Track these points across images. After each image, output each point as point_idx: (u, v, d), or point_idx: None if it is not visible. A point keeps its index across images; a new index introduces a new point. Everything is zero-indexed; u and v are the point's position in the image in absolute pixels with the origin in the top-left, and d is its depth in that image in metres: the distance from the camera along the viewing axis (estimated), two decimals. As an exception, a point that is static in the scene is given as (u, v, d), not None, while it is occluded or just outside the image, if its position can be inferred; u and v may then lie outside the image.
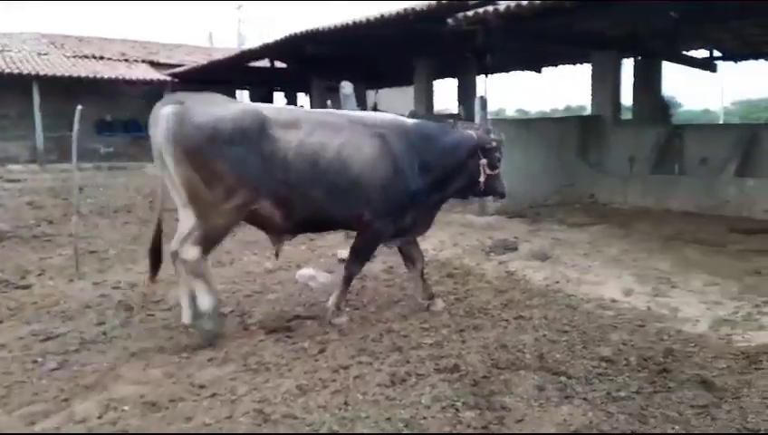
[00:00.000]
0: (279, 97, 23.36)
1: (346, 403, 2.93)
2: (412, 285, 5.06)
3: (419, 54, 13.84)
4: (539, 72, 15.24)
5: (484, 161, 4.50)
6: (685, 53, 12.28)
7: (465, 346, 3.71)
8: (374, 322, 4.22)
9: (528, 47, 12.12)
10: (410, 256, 4.60)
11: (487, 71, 15.17)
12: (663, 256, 5.88)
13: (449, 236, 7.03)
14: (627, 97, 12.07)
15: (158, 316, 4.34)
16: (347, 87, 6.52)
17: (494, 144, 4.57)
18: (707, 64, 12.73)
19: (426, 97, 14.02)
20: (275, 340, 3.83)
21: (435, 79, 15.24)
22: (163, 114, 3.59)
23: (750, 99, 37.17)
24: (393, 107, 15.77)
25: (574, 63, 14.16)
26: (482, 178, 4.52)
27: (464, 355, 3.54)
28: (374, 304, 4.67)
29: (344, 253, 6.12)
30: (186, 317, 3.80)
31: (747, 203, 7.79)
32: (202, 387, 3.12)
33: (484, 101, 8.27)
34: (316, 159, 3.93)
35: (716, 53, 12.42)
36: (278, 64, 17.19)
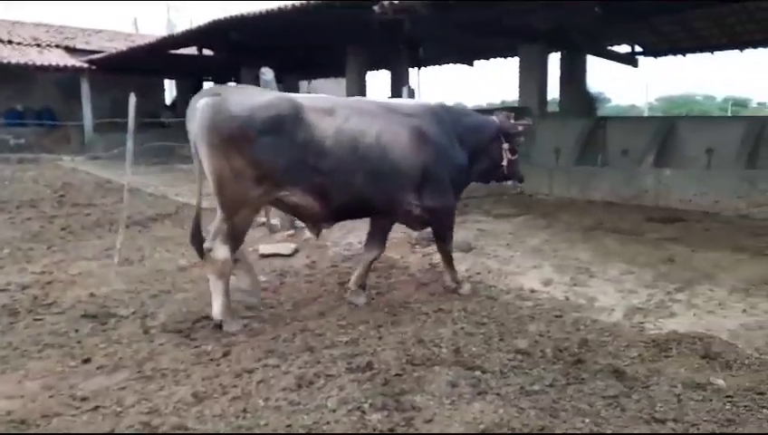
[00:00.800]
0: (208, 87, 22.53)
1: (245, 410, 2.71)
2: (333, 280, 4.89)
3: (351, 44, 13.61)
4: (471, 65, 15.37)
5: (506, 146, 4.68)
6: (609, 48, 12.65)
7: (382, 343, 3.56)
8: (288, 320, 4.01)
9: (458, 39, 12.15)
10: (375, 240, 4.57)
11: (420, 63, 15.20)
12: (583, 245, 5.95)
13: (376, 229, 6.89)
14: (554, 90, 12.35)
15: (48, 320, 3.94)
16: (267, 73, 6.22)
17: (519, 129, 4.75)
18: (629, 59, 13.18)
19: (358, 88, 13.81)
20: (176, 343, 3.55)
21: (368, 70, 15.07)
22: (199, 106, 3.60)
23: (671, 95, 39.27)
24: (326, 98, 15.53)
25: (505, 57, 14.35)
26: (504, 163, 4.72)
27: (378, 352, 3.39)
28: (291, 301, 4.46)
29: (267, 248, 5.90)
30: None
31: (664, 192, 8.07)
32: (84, 399, 2.81)
33: (411, 92, 8.16)
34: (355, 145, 3.94)
35: (638, 49, 12.88)
36: (208, 53, 16.50)
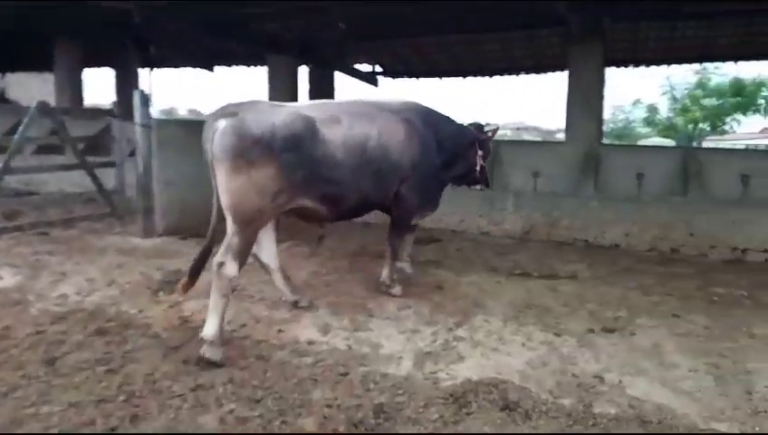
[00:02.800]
0: None
1: None
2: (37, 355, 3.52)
3: (61, 35, 11.20)
4: (211, 70, 14.11)
5: (480, 152, 5.18)
6: (354, 66, 12.84)
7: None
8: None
9: (198, 41, 10.93)
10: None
11: (152, 63, 13.40)
12: (353, 275, 5.50)
13: (102, 271, 5.37)
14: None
15: None
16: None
17: (489, 135, 5.28)
18: (370, 78, 13.62)
19: (71, 86, 11.44)
20: None
21: (84, 67, 12.61)
22: (219, 129, 3.64)
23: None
24: (30, 96, 12.54)
25: (249, 65, 13.51)
26: (477, 168, 5.22)
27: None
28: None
29: None
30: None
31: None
32: None
33: (145, 97, 6.79)
34: (361, 152, 4.18)
35: (378, 69, 13.36)
36: None
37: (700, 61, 12.58)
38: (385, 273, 4.97)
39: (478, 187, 5.50)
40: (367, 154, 4.20)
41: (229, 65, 14.03)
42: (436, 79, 13.44)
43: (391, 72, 13.45)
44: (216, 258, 3.71)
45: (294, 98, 10.60)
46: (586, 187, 7.69)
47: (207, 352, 3.54)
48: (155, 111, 21.25)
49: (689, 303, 4.98)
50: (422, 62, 12.89)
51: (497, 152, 8.73)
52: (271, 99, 10.50)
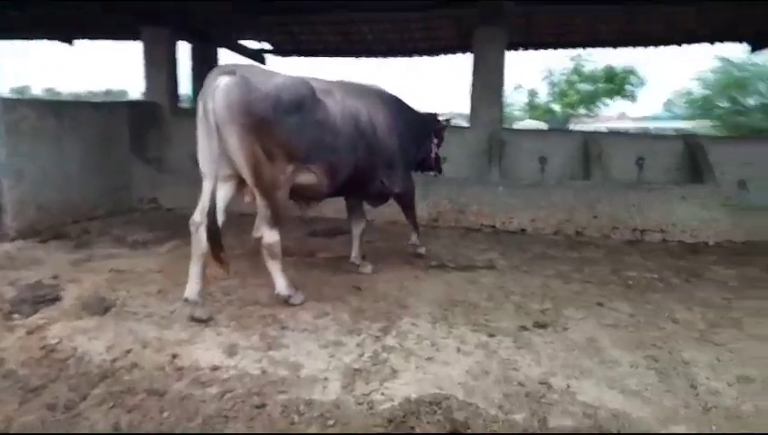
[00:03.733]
0: None
1: None
2: None
3: None
4: (70, 43, 12.33)
5: (435, 140, 5.45)
6: (240, 42, 11.82)
7: None
8: None
9: (51, 8, 9.40)
10: (357, 213, 5.21)
11: (-5, 33, 11.39)
12: (257, 280, 4.78)
13: (-67, 289, 4.27)
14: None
15: None
16: None
17: (444, 124, 5.56)
18: (257, 56, 12.64)
19: None
20: None
21: None
22: (223, 86, 3.53)
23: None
24: None
25: (118, 39, 11.94)
26: (433, 155, 5.47)
27: None
28: None
29: None
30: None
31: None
32: None
33: (-15, 71, 5.55)
34: (355, 123, 4.27)
35: (267, 46, 12.44)
36: None
37: (585, 46, 13.06)
38: (414, 238, 5.58)
39: (432, 173, 5.80)
40: (360, 127, 4.28)
41: (93, 38, 12.34)
42: (328, 58, 12.81)
43: (281, 51, 12.57)
44: (255, 234, 4.20)
45: (174, 77, 9.45)
46: (492, 172, 7.54)
47: (293, 299, 4.15)
48: (2, 88, 18.55)
49: (608, 289, 4.91)
50: (314, 41, 12.18)
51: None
52: (147, 77, 9.30)
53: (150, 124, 8.81)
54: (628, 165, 7.76)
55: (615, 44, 11.41)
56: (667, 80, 64.06)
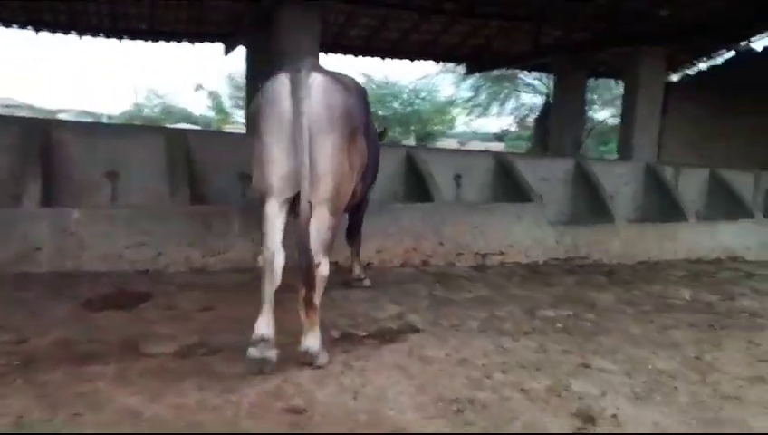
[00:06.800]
0: None
1: None
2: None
3: None
4: None
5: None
6: None
7: None
8: None
9: None
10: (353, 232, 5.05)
11: None
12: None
13: None
14: None
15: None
16: None
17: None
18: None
19: None
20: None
21: None
22: (315, 84, 2.99)
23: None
24: None
25: None
26: None
27: None
28: None
29: None
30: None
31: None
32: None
33: None
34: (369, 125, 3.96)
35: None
36: None
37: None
38: (356, 270, 4.99)
39: None
40: (372, 131, 4.05)
41: None
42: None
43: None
44: (321, 271, 3.09)
45: None
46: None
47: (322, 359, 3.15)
48: None
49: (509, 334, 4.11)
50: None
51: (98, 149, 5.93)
52: None
53: None
54: (449, 182, 7.29)
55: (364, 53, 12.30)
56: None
